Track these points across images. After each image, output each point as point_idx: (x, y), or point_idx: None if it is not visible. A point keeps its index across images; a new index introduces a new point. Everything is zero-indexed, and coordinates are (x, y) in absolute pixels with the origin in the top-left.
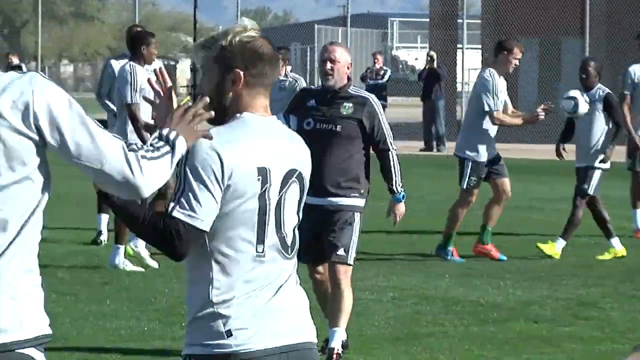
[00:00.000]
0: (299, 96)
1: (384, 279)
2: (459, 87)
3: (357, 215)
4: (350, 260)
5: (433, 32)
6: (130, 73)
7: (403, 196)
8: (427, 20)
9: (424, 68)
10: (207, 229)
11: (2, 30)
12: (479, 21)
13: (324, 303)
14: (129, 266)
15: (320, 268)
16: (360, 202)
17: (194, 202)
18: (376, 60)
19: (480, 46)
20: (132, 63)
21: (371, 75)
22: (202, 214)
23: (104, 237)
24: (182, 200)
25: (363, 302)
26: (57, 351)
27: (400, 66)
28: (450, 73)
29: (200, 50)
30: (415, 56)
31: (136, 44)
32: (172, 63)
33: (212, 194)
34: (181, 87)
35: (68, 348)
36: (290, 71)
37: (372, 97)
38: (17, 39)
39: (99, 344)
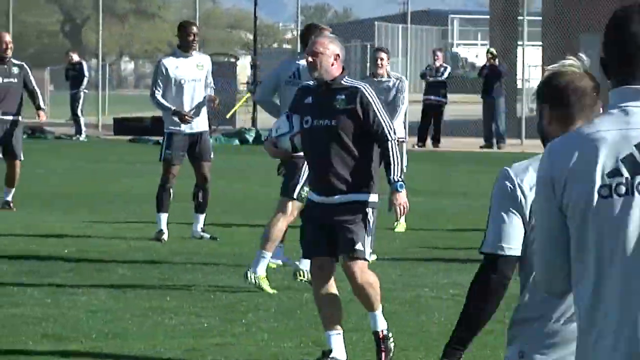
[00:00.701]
0: (298, 95)
1: (444, 276)
2: (519, 84)
3: (370, 211)
4: (367, 256)
5: (493, 29)
6: None
7: (401, 185)
8: (488, 17)
9: (484, 65)
10: None
11: (64, 27)
12: (540, 18)
13: (323, 306)
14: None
15: (325, 265)
16: (370, 197)
17: None
18: (436, 58)
19: (540, 43)
20: None
21: (431, 72)
22: None
23: (165, 236)
24: None
25: (423, 299)
26: (116, 347)
27: (460, 63)
28: (510, 70)
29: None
30: (476, 53)
31: None
32: (233, 60)
33: None
34: (241, 84)
35: (128, 344)
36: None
37: (365, 86)
38: (79, 36)
39: (158, 340)
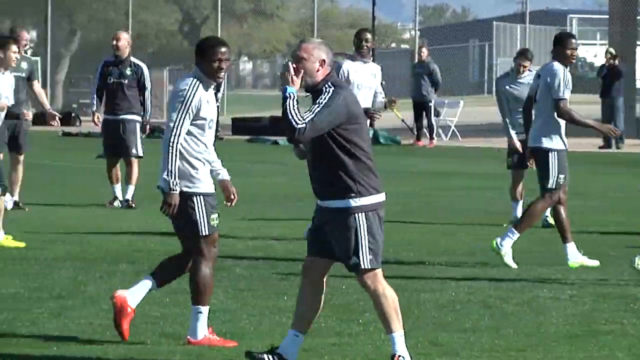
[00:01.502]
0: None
1: (562, 277)
2: (638, 84)
3: (359, 216)
4: (368, 264)
5: (612, 28)
6: None
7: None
8: (607, 16)
9: (603, 65)
10: None
11: (182, 27)
12: None
13: (299, 304)
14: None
15: (314, 265)
16: (358, 201)
17: None
18: None
19: None
20: None
21: None
22: None
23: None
24: None
25: (541, 299)
26: (234, 347)
27: (579, 63)
28: (629, 70)
29: None
30: (595, 53)
31: None
32: None
33: None
34: None
35: (245, 343)
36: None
37: (330, 88)
38: (197, 36)
39: (275, 339)
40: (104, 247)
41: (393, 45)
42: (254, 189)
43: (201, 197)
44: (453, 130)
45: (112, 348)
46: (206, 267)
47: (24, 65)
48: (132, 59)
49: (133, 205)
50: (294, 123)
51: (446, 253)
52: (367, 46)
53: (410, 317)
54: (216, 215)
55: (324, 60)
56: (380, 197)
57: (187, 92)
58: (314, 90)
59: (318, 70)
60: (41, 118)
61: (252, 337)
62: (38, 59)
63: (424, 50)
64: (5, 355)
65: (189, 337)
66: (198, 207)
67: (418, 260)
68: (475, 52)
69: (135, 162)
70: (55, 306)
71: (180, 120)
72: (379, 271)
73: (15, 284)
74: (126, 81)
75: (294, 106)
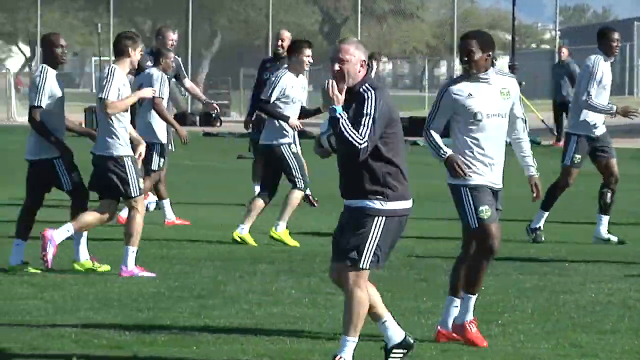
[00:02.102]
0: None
1: None
2: None
3: (379, 220)
4: (366, 264)
5: None
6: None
7: None
8: None
9: None
10: None
11: (322, 28)
12: None
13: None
14: None
15: (336, 270)
16: (384, 205)
17: None
18: None
19: None
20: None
21: None
22: None
23: None
24: None
25: None
26: (369, 345)
27: None
28: None
29: None
30: None
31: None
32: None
33: None
34: None
35: (380, 343)
36: None
37: (365, 85)
38: (337, 37)
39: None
40: (244, 247)
41: (533, 45)
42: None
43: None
44: None
45: (252, 347)
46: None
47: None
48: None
49: (316, 204)
50: (356, 144)
51: (585, 254)
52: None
53: (549, 318)
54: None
55: (364, 61)
56: (406, 204)
57: None
58: (352, 92)
59: (359, 71)
60: (181, 119)
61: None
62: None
63: (564, 51)
64: (145, 354)
65: None
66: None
67: (558, 259)
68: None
69: None
70: (195, 305)
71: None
72: (366, 274)
73: (156, 284)
74: None
75: (348, 125)
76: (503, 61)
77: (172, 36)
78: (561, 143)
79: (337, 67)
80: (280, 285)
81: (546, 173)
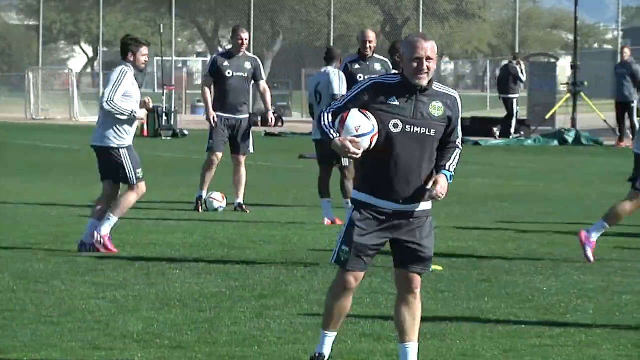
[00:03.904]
0: (372, 91)
1: None
2: None
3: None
4: (331, 260)
5: None
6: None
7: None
8: None
9: None
10: None
11: (384, 28)
12: None
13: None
14: None
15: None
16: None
17: None
18: None
19: None
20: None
21: None
22: None
23: None
24: None
25: None
26: (434, 347)
27: None
28: None
29: None
30: None
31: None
32: (552, 61)
33: None
34: (561, 84)
35: (446, 344)
36: None
37: (436, 83)
38: (399, 37)
39: (477, 340)
40: (306, 247)
41: (596, 45)
42: (458, 189)
43: None
44: None
45: (314, 347)
46: None
47: (247, 65)
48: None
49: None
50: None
51: None
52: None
53: (612, 319)
54: None
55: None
56: None
57: None
58: (428, 93)
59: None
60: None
61: (453, 337)
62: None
63: (627, 51)
64: (206, 354)
65: None
66: None
67: (620, 259)
68: None
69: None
70: (257, 306)
71: None
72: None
73: (218, 283)
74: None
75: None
76: (565, 61)
77: (243, 35)
78: (623, 143)
79: (430, 64)
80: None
81: (610, 174)
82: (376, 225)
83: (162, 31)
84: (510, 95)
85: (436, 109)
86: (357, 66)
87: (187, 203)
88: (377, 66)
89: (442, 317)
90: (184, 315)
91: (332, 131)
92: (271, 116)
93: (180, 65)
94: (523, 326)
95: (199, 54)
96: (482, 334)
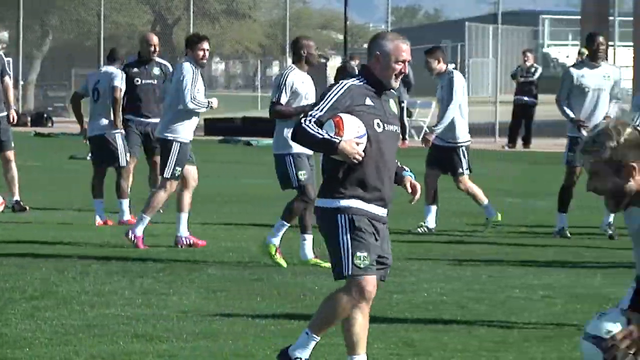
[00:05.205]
0: (353, 94)
1: (534, 277)
2: None
3: (340, 218)
4: (344, 272)
5: (584, 29)
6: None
7: None
8: (579, 17)
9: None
10: None
11: (155, 28)
12: (631, 18)
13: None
14: None
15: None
16: (338, 202)
17: None
18: (526, 59)
19: (632, 43)
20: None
21: (521, 73)
22: None
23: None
24: None
25: (514, 300)
26: (207, 347)
27: (552, 64)
28: None
29: (587, 156)
30: (567, 54)
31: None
32: (323, 60)
33: None
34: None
35: (218, 344)
36: None
37: None
38: (169, 37)
39: (249, 340)
40: (77, 248)
41: (365, 45)
42: (226, 189)
43: None
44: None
45: (85, 349)
46: None
47: None
48: (158, 59)
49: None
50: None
51: (420, 254)
52: None
53: (384, 318)
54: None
55: None
56: None
57: None
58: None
59: None
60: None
61: (225, 337)
62: (10, 59)
63: None
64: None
65: None
66: None
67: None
68: (448, 53)
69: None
70: (27, 307)
71: None
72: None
73: None
74: (155, 82)
75: None
76: (335, 61)
77: None
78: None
79: (405, 67)
80: (113, 286)
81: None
82: (375, 231)
83: None
84: None
85: (393, 106)
86: (135, 70)
87: None
88: (156, 70)
89: (215, 317)
90: None
91: (332, 137)
92: (13, 115)
93: None
94: (296, 326)
95: None
96: (255, 333)
